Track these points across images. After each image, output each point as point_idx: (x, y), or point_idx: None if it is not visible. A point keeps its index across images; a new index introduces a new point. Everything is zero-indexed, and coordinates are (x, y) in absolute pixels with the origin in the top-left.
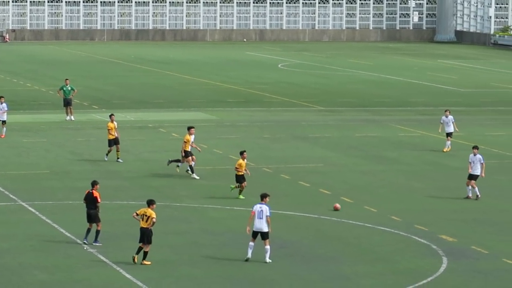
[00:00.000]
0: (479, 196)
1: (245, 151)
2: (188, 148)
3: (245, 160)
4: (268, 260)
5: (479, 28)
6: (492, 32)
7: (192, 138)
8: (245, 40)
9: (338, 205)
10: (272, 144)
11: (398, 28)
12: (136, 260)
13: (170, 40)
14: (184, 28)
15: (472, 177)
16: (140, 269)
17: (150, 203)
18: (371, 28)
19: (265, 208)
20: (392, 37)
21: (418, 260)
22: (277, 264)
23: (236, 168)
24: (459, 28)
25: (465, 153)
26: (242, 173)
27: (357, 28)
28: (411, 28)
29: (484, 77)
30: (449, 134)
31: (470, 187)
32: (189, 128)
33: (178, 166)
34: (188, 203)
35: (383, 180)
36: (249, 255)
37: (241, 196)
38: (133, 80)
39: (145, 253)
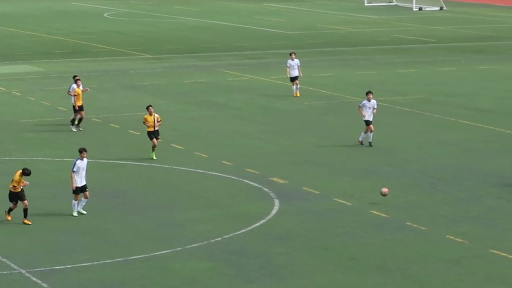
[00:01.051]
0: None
1: (150, 105)
2: (81, 102)
3: (154, 114)
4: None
5: None
6: None
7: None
8: None
9: (386, 190)
10: (100, 94)
11: None
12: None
13: None
14: None
15: (369, 122)
16: None
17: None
18: None
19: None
20: None
21: (250, 204)
22: (110, 214)
23: (144, 123)
24: None
25: (295, 96)
26: (152, 129)
27: None
28: None
29: (310, 19)
30: (294, 78)
31: (370, 132)
32: (77, 80)
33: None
34: (17, 157)
35: (213, 125)
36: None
37: (153, 156)
38: None
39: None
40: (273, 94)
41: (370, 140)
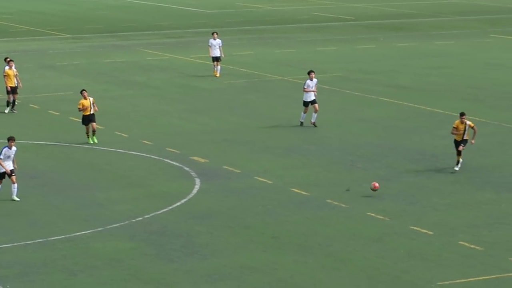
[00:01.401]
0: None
1: (84, 89)
2: (14, 83)
3: (89, 98)
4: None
5: None
6: None
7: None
8: None
9: (376, 185)
10: (19, 74)
11: None
12: None
13: None
14: None
15: (314, 102)
16: None
17: None
18: None
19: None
20: None
21: (171, 183)
22: (30, 195)
23: (79, 108)
24: None
25: (216, 76)
26: (87, 113)
27: None
28: None
29: None
30: (215, 59)
31: (314, 113)
32: (9, 61)
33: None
34: None
35: (133, 104)
36: None
37: (94, 140)
38: None
39: None
40: (193, 73)
41: (313, 120)
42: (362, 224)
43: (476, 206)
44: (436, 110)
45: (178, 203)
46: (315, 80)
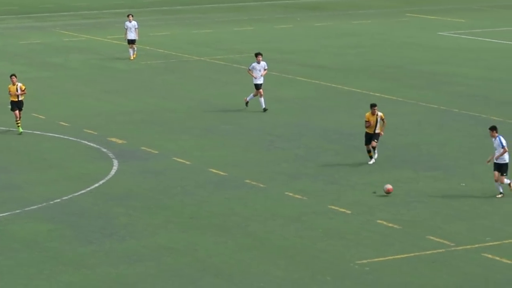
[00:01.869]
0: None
1: (14, 74)
2: None
3: (18, 84)
4: None
5: None
6: None
7: None
8: None
9: (390, 188)
10: None
11: None
12: None
13: None
14: None
15: (259, 86)
16: None
17: None
18: None
19: None
20: None
21: (89, 165)
22: None
23: (9, 93)
24: None
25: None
26: (16, 100)
27: None
28: None
29: None
30: (131, 41)
31: (260, 97)
32: None
33: None
34: None
35: (50, 86)
36: None
37: (20, 129)
38: None
39: None
40: (110, 54)
41: (264, 106)
42: (281, 204)
43: (394, 185)
44: (353, 89)
45: (96, 185)
46: (263, 63)
